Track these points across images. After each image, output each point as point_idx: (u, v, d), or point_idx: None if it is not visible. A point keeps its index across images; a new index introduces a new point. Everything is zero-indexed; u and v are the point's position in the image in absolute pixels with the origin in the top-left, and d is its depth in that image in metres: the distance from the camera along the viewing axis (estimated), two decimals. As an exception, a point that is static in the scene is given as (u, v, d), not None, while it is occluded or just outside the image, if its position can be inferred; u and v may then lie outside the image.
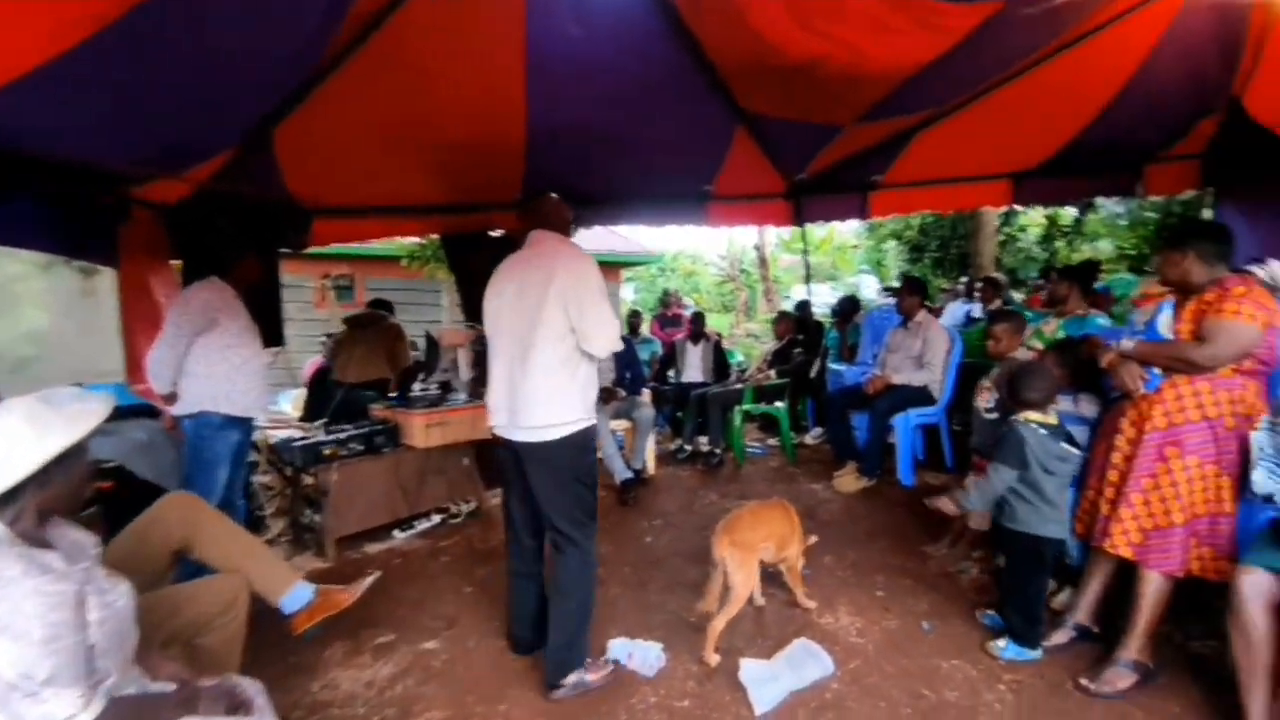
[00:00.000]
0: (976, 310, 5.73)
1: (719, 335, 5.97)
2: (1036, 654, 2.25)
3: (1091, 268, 4.67)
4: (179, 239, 3.79)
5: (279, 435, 5.04)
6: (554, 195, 2.45)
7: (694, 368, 5.54)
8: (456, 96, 3.44)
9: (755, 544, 2.43)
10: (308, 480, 3.74)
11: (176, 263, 3.89)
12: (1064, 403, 2.55)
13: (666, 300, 8.23)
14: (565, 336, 2.17)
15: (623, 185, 4.95)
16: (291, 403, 6.19)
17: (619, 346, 2.28)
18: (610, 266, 10.86)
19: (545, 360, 2.16)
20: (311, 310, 9.81)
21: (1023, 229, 9.17)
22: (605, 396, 4.59)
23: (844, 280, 17.51)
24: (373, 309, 5.32)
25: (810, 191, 5.34)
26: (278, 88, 3.11)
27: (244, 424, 2.97)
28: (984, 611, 2.54)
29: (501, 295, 2.30)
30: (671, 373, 5.91)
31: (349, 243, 4.66)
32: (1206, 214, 6.58)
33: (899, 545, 3.26)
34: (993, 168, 5.52)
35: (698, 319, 5.77)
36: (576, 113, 3.76)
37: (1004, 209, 8.15)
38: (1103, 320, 3.41)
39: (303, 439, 3.64)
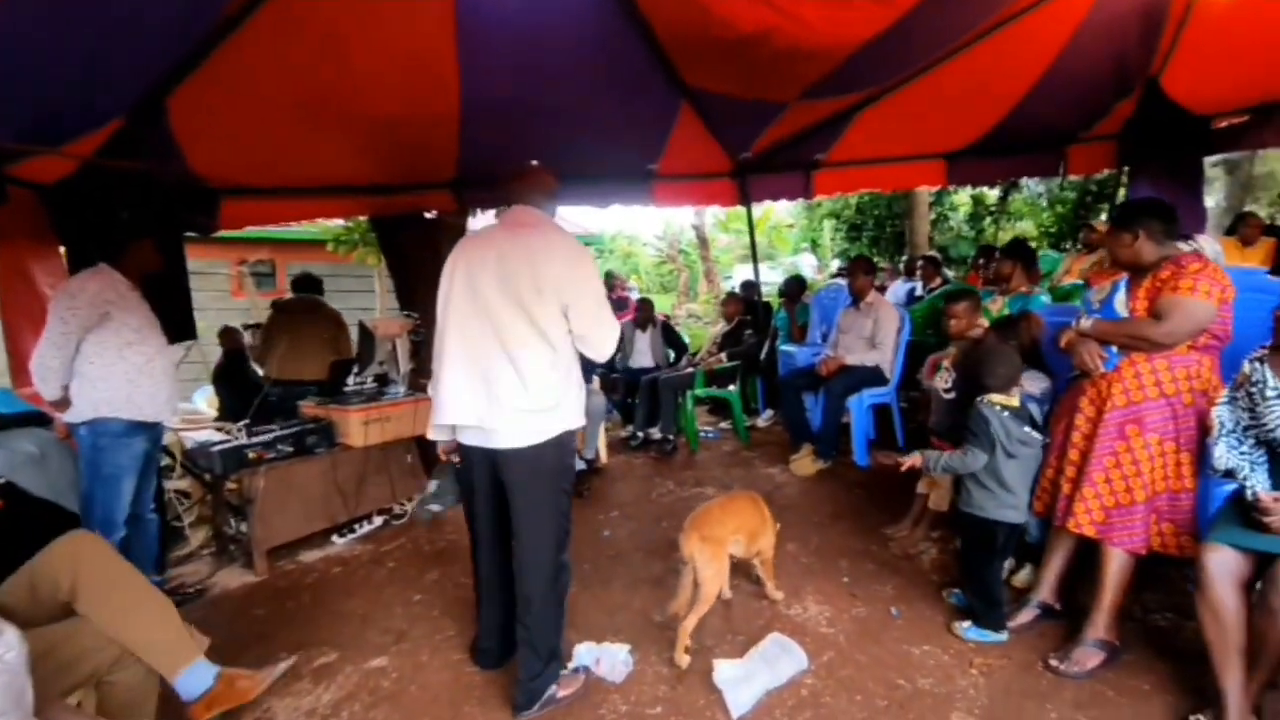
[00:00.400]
0: (918, 288, 5.84)
1: (666, 316, 5.85)
2: (1002, 636, 2.26)
3: (1026, 245, 4.80)
4: (62, 222, 3.35)
5: (195, 437, 4.63)
6: (536, 164, 2.18)
7: (642, 354, 5.40)
8: (378, 64, 3.15)
9: (725, 539, 2.33)
10: (231, 487, 3.42)
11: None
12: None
13: (611, 283, 8.04)
14: (564, 338, 1.98)
15: (566, 164, 4.61)
16: (207, 400, 5.70)
17: (613, 347, 2.08)
18: (549, 248, 10.54)
19: (542, 363, 1.94)
20: (228, 299, 9.11)
21: (953, 208, 9.47)
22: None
23: (781, 260, 17.78)
24: (302, 293, 4.82)
25: (755, 170, 5.30)
26: (166, 48, 2.74)
27: (150, 429, 2.65)
28: (950, 591, 2.54)
29: (473, 279, 1.98)
30: (618, 358, 5.77)
31: (266, 225, 4.26)
32: (1121, 194, 6.97)
33: (860, 528, 3.26)
34: (928, 148, 5.64)
35: (645, 305, 5.62)
36: (514, 86, 3.53)
37: (937, 189, 8.39)
38: (1045, 298, 3.48)
39: (222, 442, 3.30)
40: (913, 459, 2.37)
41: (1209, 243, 3.56)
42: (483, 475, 2.12)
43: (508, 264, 1.93)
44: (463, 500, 2.30)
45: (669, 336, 5.53)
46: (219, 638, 2.74)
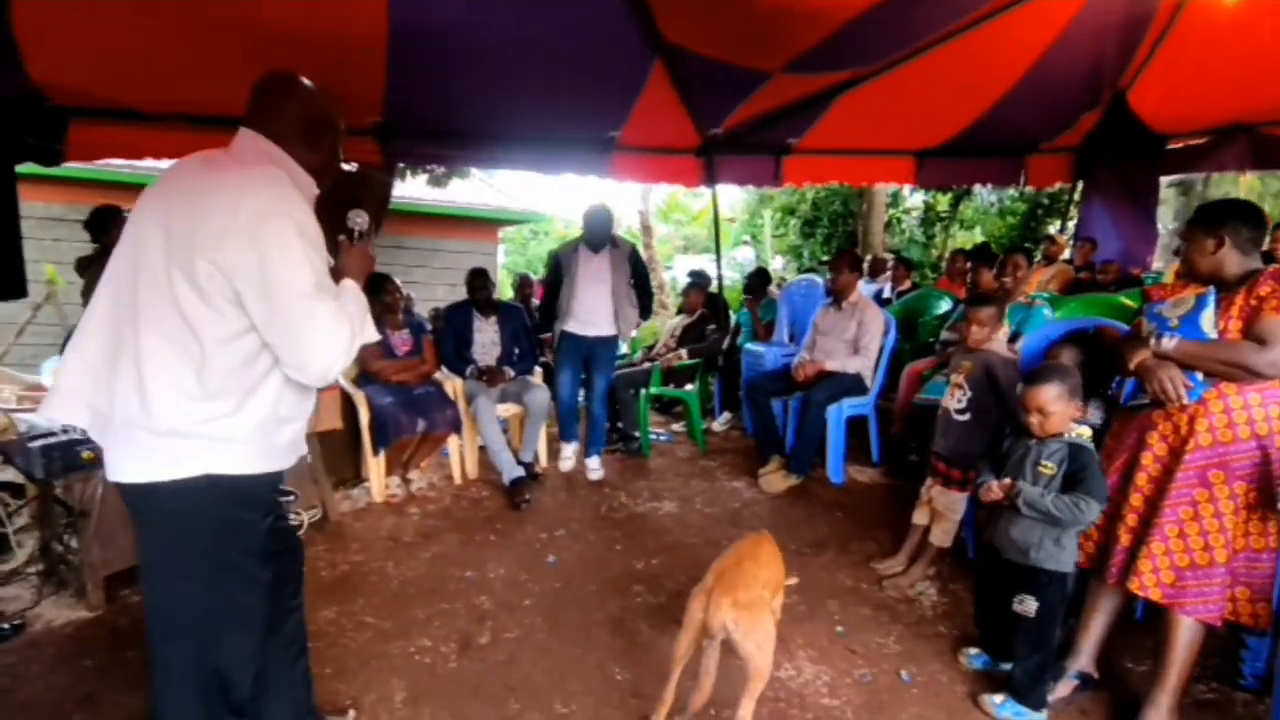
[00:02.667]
0: (885, 290, 5.55)
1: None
2: (1041, 715, 1.88)
3: (1028, 250, 4.59)
4: None
5: (34, 420, 3.73)
6: (285, 75, 1.43)
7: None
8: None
9: (764, 596, 1.77)
10: (60, 493, 2.65)
11: None
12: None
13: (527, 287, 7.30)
14: (224, 339, 1.25)
15: (512, 121, 4.13)
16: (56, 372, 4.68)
17: (336, 373, 1.35)
18: (484, 223, 9.74)
19: (174, 369, 1.23)
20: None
21: (906, 212, 9.37)
22: (489, 377, 3.79)
23: (724, 254, 17.54)
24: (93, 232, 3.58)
25: (723, 150, 4.87)
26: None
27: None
28: (966, 651, 2.15)
29: (138, 226, 1.31)
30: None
31: (135, 159, 3.40)
32: (1073, 210, 7.00)
33: (846, 560, 2.84)
34: (901, 143, 5.44)
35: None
36: (455, 12, 2.89)
37: (895, 188, 8.23)
38: (1047, 310, 3.19)
39: (46, 434, 2.52)
40: (1000, 486, 1.89)
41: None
42: None
43: (172, 217, 1.26)
44: None
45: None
46: (33, 694, 2.06)
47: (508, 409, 3.93)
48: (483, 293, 3.93)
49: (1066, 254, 6.20)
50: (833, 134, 4.85)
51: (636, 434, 4.19)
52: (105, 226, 3.53)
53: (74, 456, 2.43)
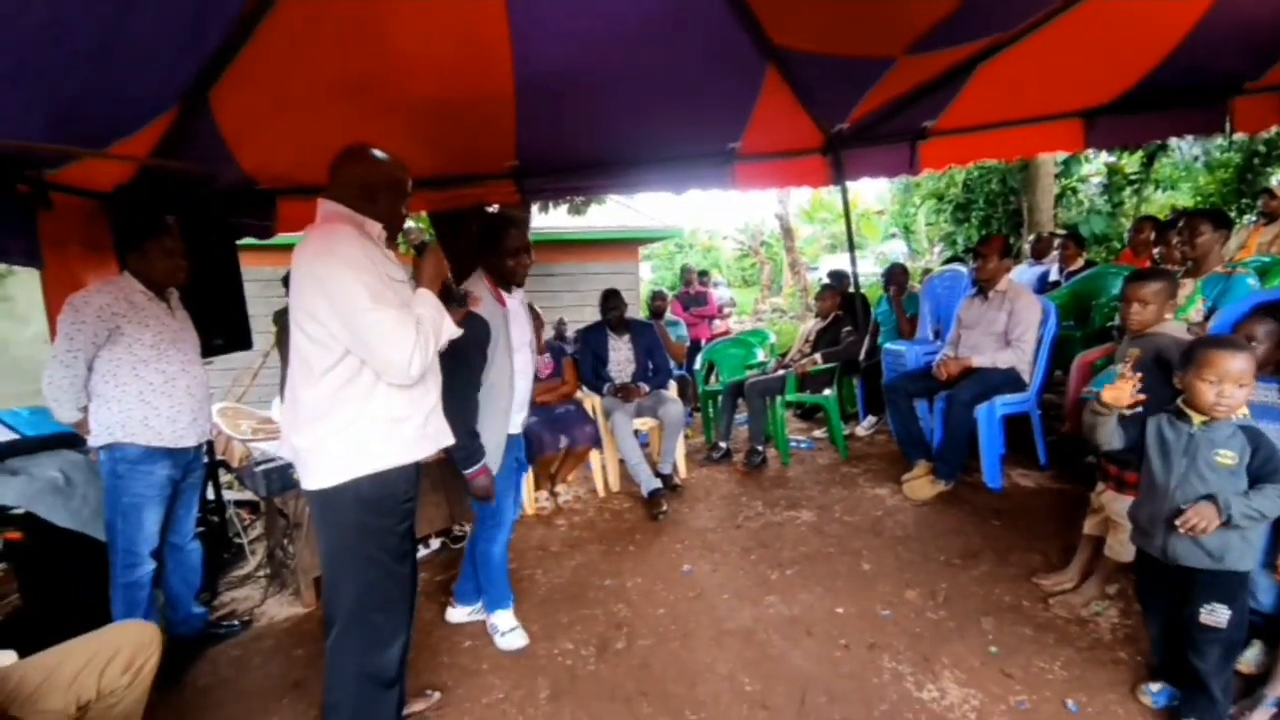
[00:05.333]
0: (1054, 272, 4.97)
1: (662, 306, 5.00)
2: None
3: (1223, 213, 3.92)
4: (116, 231, 3.22)
5: (264, 448, 4.52)
6: (355, 147, 1.74)
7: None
8: (420, 40, 2.79)
9: None
10: (281, 507, 3.20)
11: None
12: (1268, 392, 1.85)
13: (687, 277, 7.45)
14: (331, 364, 1.60)
15: (636, 147, 4.29)
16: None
17: (418, 368, 1.60)
18: (624, 243, 10.14)
19: (304, 391, 1.63)
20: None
21: (1083, 179, 8.24)
22: (624, 393, 3.97)
23: (871, 249, 16.64)
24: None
25: (850, 145, 4.65)
26: (198, 35, 2.48)
27: (175, 455, 2.39)
28: (1147, 687, 1.87)
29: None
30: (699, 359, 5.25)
31: (324, 227, 4.05)
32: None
33: (1004, 574, 2.60)
34: (1061, 105, 4.77)
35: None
36: (573, 56, 3.09)
37: (1063, 157, 7.31)
38: (1251, 279, 2.69)
39: (268, 460, 3.06)
40: (1202, 512, 1.56)
41: None
42: None
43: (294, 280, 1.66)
44: None
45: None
46: (252, 683, 2.51)
47: (644, 422, 4.07)
48: (614, 312, 4.13)
49: (1296, 207, 5.15)
50: (976, 109, 4.43)
51: (760, 448, 4.12)
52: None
53: (289, 476, 2.94)
